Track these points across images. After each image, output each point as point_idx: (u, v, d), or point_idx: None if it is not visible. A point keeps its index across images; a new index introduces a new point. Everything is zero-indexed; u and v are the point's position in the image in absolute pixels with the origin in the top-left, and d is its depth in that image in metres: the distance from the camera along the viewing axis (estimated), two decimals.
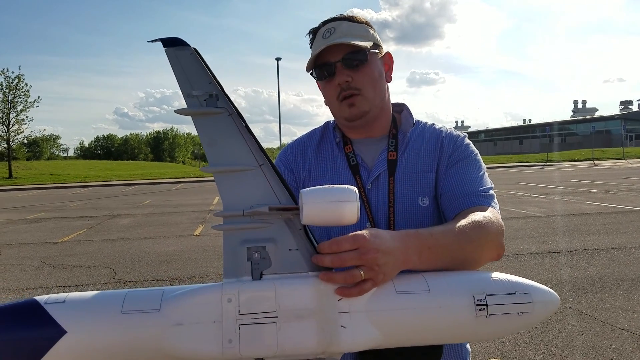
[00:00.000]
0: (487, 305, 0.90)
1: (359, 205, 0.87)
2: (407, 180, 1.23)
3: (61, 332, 0.86)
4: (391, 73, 1.31)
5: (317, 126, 1.42)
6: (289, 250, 0.92)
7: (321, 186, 0.89)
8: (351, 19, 1.25)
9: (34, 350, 0.86)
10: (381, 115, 1.29)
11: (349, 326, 0.88)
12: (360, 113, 1.23)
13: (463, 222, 1.07)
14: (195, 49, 0.87)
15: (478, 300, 0.90)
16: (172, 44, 0.87)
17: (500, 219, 1.14)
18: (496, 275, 0.97)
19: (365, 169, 1.26)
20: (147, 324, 0.87)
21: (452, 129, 1.32)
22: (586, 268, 5.67)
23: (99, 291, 0.94)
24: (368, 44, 1.21)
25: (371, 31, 1.26)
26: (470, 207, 1.16)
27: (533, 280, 0.99)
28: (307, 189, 0.89)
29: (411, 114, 1.34)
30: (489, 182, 1.24)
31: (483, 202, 1.17)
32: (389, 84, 1.31)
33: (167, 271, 6.22)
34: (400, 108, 1.36)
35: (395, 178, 1.23)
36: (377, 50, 1.25)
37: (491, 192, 1.21)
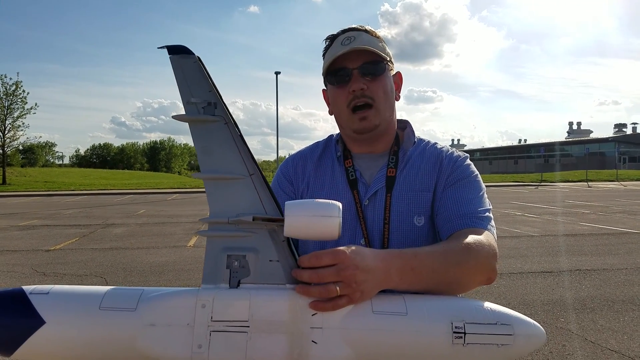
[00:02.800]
0: (464, 333, 0.88)
1: (341, 221, 0.88)
2: (404, 198, 1.22)
3: (40, 322, 0.88)
4: (399, 92, 1.32)
5: (321, 139, 1.42)
6: (270, 261, 0.92)
7: (307, 199, 0.91)
8: (370, 32, 1.26)
9: (13, 337, 0.89)
10: (388, 130, 1.29)
11: (320, 342, 0.88)
12: (371, 126, 1.23)
13: (451, 244, 1.06)
14: (198, 57, 0.90)
15: (456, 327, 0.88)
16: (177, 52, 0.89)
17: (493, 243, 1.12)
18: (479, 303, 0.94)
19: (364, 184, 1.26)
20: (122, 322, 0.89)
21: (454, 149, 1.32)
22: (577, 288, 5.68)
23: (83, 286, 0.95)
24: (386, 57, 1.23)
25: (387, 49, 1.27)
26: (463, 228, 1.14)
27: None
28: (292, 201, 0.90)
29: (413, 131, 1.34)
30: (486, 204, 1.21)
31: (478, 224, 1.15)
32: (397, 102, 1.31)
33: (159, 282, 6.19)
34: (404, 125, 1.36)
35: (393, 195, 1.22)
36: (390, 67, 1.26)
37: (487, 214, 1.19)
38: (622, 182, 32.85)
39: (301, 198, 1.32)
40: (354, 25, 1.27)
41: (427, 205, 1.22)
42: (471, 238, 1.08)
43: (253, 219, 0.91)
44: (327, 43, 1.28)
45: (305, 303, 0.90)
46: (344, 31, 1.26)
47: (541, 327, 0.95)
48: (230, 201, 0.93)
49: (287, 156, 1.51)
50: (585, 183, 32.27)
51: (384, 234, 1.20)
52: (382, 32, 1.30)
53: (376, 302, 0.92)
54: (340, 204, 0.89)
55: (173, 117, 0.92)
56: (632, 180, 35.54)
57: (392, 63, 1.28)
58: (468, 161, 1.29)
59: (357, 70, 1.20)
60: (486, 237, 1.11)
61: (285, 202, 0.90)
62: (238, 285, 0.91)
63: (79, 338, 0.89)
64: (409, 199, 1.22)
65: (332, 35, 1.28)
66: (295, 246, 1.29)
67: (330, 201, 0.89)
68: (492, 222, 1.19)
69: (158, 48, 0.89)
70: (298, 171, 1.35)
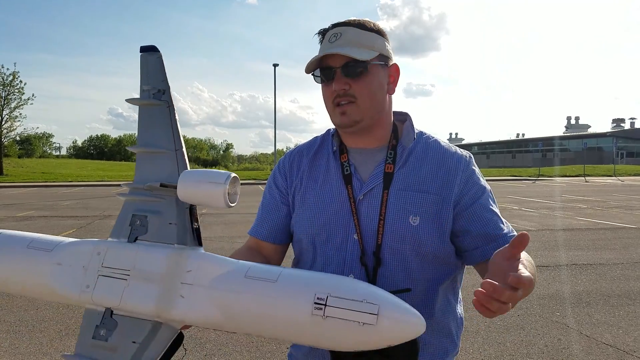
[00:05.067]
0: (325, 305, 0.84)
1: (228, 190, 0.94)
2: (401, 196, 1.20)
3: None
4: (395, 85, 1.28)
5: (320, 133, 1.41)
6: (169, 223, 1.02)
7: (204, 169, 1.00)
8: (361, 25, 1.21)
9: None
10: (377, 126, 1.26)
11: (187, 297, 0.93)
12: (351, 122, 1.21)
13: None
14: (161, 54, 1.07)
15: (318, 298, 0.85)
16: (147, 50, 1.07)
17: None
18: (356, 282, 0.90)
19: (358, 179, 1.24)
20: (38, 259, 1.05)
21: (457, 148, 1.30)
22: (573, 283, 5.71)
23: (28, 232, 1.13)
24: (371, 55, 1.18)
25: (380, 40, 1.22)
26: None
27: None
28: (189, 170, 0.99)
29: (413, 126, 1.30)
30: (499, 212, 1.25)
31: (509, 239, 1.18)
32: (392, 95, 1.28)
33: None
34: (404, 117, 1.34)
35: (390, 192, 1.21)
36: (382, 62, 1.22)
37: (505, 228, 1.23)
38: (619, 177, 32.96)
39: (294, 193, 1.32)
40: (349, 19, 1.24)
41: (426, 206, 1.20)
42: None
43: (160, 185, 1.04)
44: (319, 37, 1.27)
45: (181, 260, 0.97)
46: (334, 25, 1.24)
47: (421, 317, 0.85)
48: (154, 171, 1.06)
49: (285, 149, 1.52)
50: (583, 178, 32.36)
51: (378, 230, 1.19)
52: (381, 26, 1.25)
53: (254, 268, 0.94)
54: (233, 174, 0.96)
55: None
56: (629, 175, 35.66)
57: (386, 57, 1.24)
58: (473, 163, 1.28)
59: (339, 70, 1.18)
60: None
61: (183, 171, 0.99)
62: (135, 241, 1.03)
63: (7, 271, 1.07)
64: (406, 198, 1.20)
65: (324, 29, 1.26)
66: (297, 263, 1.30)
67: (222, 171, 0.97)
68: (513, 230, 1.24)
69: (142, 47, 1.08)
70: (293, 167, 1.35)
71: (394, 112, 1.32)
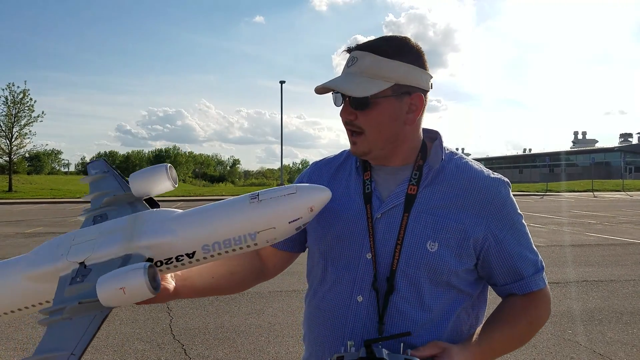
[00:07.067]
0: (258, 196, 1.13)
1: (170, 176, 1.29)
2: (421, 220, 1.15)
3: None
4: (416, 115, 1.17)
5: (325, 149, 1.41)
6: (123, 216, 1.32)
7: (147, 168, 1.32)
8: (383, 51, 1.13)
9: None
10: (393, 155, 1.21)
11: (148, 229, 1.18)
12: (360, 153, 1.20)
13: (516, 329, 1.19)
14: (105, 159, 1.54)
15: (252, 196, 1.14)
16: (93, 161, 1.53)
17: (548, 302, 1.23)
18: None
19: (378, 197, 1.21)
20: (15, 263, 1.30)
21: (491, 172, 1.22)
22: (585, 300, 5.65)
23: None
24: (380, 88, 1.12)
25: (402, 68, 1.13)
26: (524, 293, 1.19)
27: None
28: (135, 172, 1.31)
29: (442, 145, 1.23)
30: (534, 247, 1.22)
31: (533, 285, 1.19)
32: (413, 125, 1.19)
33: None
34: (434, 136, 1.26)
35: (410, 215, 1.15)
36: (396, 93, 1.14)
37: (538, 263, 1.21)
38: (628, 192, 32.68)
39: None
40: (376, 38, 1.19)
41: (446, 233, 1.14)
42: (534, 314, 1.20)
43: (113, 196, 1.38)
44: (347, 54, 1.22)
45: (140, 215, 1.22)
46: (357, 47, 1.18)
47: (326, 188, 1.15)
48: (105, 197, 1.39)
49: (291, 165, 1.53)
50: (591, 193, 32.11)
51: (395, 253, 1.15)
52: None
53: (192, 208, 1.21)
54: (167, 166, 1.29)
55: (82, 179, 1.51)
56: (638, 190, 35.34)
57: (406, 85, 1.14)
58: (507, 189, 1.21)
59: (348, 99, 1.16)
60: (544, 302, 1.21)
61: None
62: None
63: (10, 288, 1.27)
64: (425, 221, 1.15)
65: (350, 48, 1.21)
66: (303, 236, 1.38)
67: (158, 165, 1.30)
68: (544, 273, 1.22)
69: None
70: (312, 178, 1.35)
71: (424, 129, 1.26)
